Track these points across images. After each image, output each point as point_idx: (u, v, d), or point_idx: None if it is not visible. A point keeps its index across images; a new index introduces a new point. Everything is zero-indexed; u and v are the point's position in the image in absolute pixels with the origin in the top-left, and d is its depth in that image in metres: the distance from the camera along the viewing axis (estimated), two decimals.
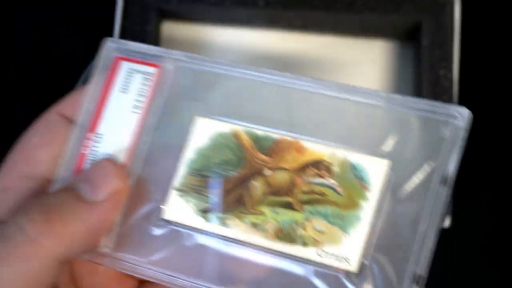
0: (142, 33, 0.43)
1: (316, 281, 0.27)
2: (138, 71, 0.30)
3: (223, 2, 0.44)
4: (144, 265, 0.29)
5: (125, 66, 0.30)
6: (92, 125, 0.30)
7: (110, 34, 0.43)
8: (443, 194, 0.26)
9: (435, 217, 0.26)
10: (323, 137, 0.28)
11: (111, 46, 0.31)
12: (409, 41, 0.46)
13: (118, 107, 0.30)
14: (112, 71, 0.30)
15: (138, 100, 0.30)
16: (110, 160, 0.29)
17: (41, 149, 0.29)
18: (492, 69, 0.48)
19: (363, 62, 0.46)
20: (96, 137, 0.30)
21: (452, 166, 0.26)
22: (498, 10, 0.48)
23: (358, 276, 0.27)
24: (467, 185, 0.41)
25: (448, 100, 0.42)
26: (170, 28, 0.47)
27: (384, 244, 0.27)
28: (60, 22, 0.48)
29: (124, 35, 0.43)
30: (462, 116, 0.27)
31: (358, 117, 0.28)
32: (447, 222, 0.42)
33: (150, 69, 0.30)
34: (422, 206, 0.26)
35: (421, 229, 0.26)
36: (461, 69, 0.43)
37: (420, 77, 0.44)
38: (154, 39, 0.44)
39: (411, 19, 0.44)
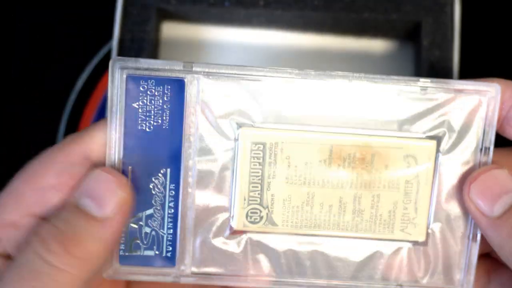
0: (142, 33, 0.43)
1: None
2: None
3: (223, 2, 0.44)
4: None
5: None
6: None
7: (110, 34, 0.43)
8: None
9: None
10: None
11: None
12: (409, 41, 0.46)
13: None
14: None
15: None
16: (107, 170, 0.28)
17: (56, 193, 0.28)
18: (492, 69, 0.48)
19: (363, 62, 0.46)
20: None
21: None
22: (498, 10, 0.48)
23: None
24: None
25: None
26: (170, 28, 0.47)
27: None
28: (60, 22, 0.48)
29: (124, 35, 0.43)
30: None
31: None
32: None
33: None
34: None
35: None
36: (461, 69, 0.43)
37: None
38: (154, 39, 0.44)
39: (411, 19, 0.44)
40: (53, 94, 0.47)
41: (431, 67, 0.43)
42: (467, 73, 0.44)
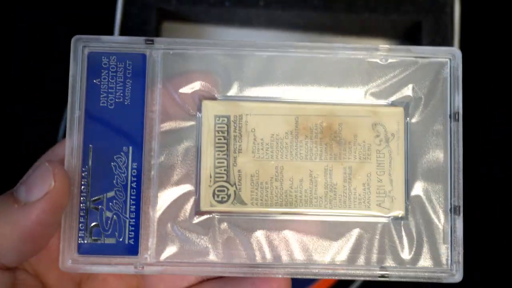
0: (142, 33, 0.43)
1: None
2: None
3: (223, 2, 0.44)
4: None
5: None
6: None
7: (110, 34, 0.43)
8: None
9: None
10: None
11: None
12: (409, 41, 0.46)
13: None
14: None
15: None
16: (49, 161, 0.27)
17: None
18: (492, 69, 0.48)
19: None
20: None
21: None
22: (498, 10, 0.48)
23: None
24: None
25: None
26: (170, 28, 0.46)
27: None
28: (60, 22, 0.48)
29: (124, 35, 0.43)
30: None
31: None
32: None
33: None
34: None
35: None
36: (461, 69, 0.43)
37: None
38: None
39: (411, 19, 0.44)
40: (53, 94, 0.47)
41: None
42: (467, 73, 0.44)
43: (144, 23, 0.44)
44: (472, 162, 0.39)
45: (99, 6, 0.47)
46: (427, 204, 0.29)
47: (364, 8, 0.44)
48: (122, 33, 0.43)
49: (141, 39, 0.29)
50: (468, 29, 0.44)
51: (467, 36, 0.44)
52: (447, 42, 0.43)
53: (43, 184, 0.26)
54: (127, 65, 0.29)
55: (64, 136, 0.29)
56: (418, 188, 0.29)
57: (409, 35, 0.45)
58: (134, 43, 0.29)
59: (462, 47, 0.44)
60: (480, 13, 0.47)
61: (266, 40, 0.29)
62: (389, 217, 0.29)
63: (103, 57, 0.29)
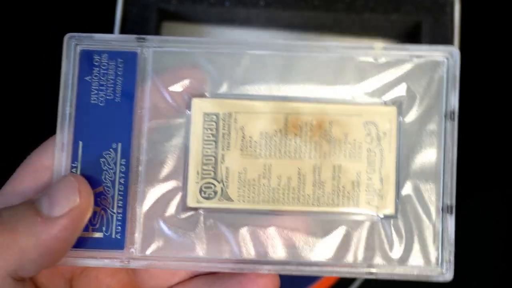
0: (142, 33, 0.43)
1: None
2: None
3: (223, 2, 0.44)
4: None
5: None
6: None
7: (110, 34, 0.44)
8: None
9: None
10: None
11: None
12: (409, 41, 0.46)
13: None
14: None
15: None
16: (74, 175, 0.27)
17: (48, 172, 0.28)
18: (492, 70, 0.48)
19: None
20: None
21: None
22: (498, 10, 0.48)
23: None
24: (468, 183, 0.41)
25: None
26: (170, 28, 0.47)
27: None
28: (60, 22, 0.48)
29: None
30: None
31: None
32: None
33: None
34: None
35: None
36: (461, 68, 0.43)
37: None
38: None
39: (411, 19, 0.44)
40: (53, 94, 0.47)
41: None
42: (467, 73, 0.44)
43: (144, 23, 0.44)
44: (466, 161, 0.39)
45: (99, 6, 0.47)
46: (418, 203, 0.29)
47: (364, 8, 0.44)
48: (122, 33, 0.43)
49: (132, 37, 0.29)
50: (468, 29, 0.44)
51: (467, 36, 0.44)
52: (447, 42, 0.43)
53: (68, 201, 0.26)
54: (118, 62, 0.29)
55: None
56: (409, 187, 0.29)
57: (409, 35, 0.45)
58: (126, 41, 0.29)
59: (462, 47, 0.43)
60: (480, 13, 0.47)
61: (257, 39, 0.29)
62: (378, 215, 0.29)
63: (94, 54, 0.29)
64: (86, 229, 0.28)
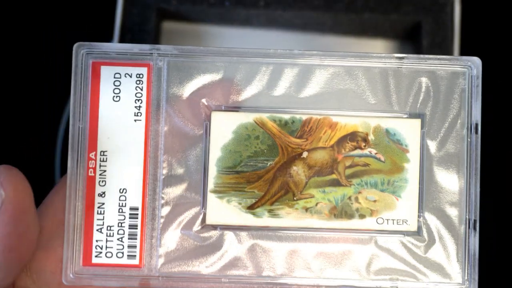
0: (142, 33, 0.43)
1: (379, 248, 0.28)
2: (126, 75, 0.28)
3: (223, 2, 0.44)
4: (200, 277, 0.28)
5: (108, 71, 0.28)
6: (91, 144, 0.28)
7: (110, 34, 0.43)
8: (476, 141, 0.28)
9: (474, 164, 0.28)
10: (349, 108, 0.29)
11: (85, 51, 0.28)
12: (409, 41, 0.46)
13: (115, 118, 0.28)
14: (95, 79, 0.28)
15: (137, 107, 0.28)
16: (5, 167, 0.25)
17: None
18: (492, 70, 0.48)
19: None
20: (101, 155, 0.28)
21: (477, 113, 0.28)
22: (498, 10, 0.48)
23: (418, 233, 0.29)
24: None
25: None
26: (170, 28, 0.47)
27: (435, 198, 0.29)
28: (60, 22, 0.48)
29: (124, 35, 0.43)
30: (475, 64, 0.29)
31: (378, 82, 0.29)
32: None
33: (139, 70, 0.28)
34: (460, 156, 0.28)
35: (464, 177, 0.28)
36: None
37: None
38: (154, 39, 0.44)
39: (411, 19, 0.44)
40: (53, 94, 0.47)
41: None
42: None
43: (144, 23, 0.44)
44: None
45: (99, 6, 0.47)
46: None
47: (364, 8, 0.44)
48: (122, 33, 0.43)
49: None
50: (468, 29, 0.44)
51: (467, 36, 0.44)
52: (447, 42, 0.43)
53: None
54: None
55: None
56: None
57: (409, 35, 0.46)
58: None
59: (462, 47, 0.44)
60: (480, 13, 0.47)
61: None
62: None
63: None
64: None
